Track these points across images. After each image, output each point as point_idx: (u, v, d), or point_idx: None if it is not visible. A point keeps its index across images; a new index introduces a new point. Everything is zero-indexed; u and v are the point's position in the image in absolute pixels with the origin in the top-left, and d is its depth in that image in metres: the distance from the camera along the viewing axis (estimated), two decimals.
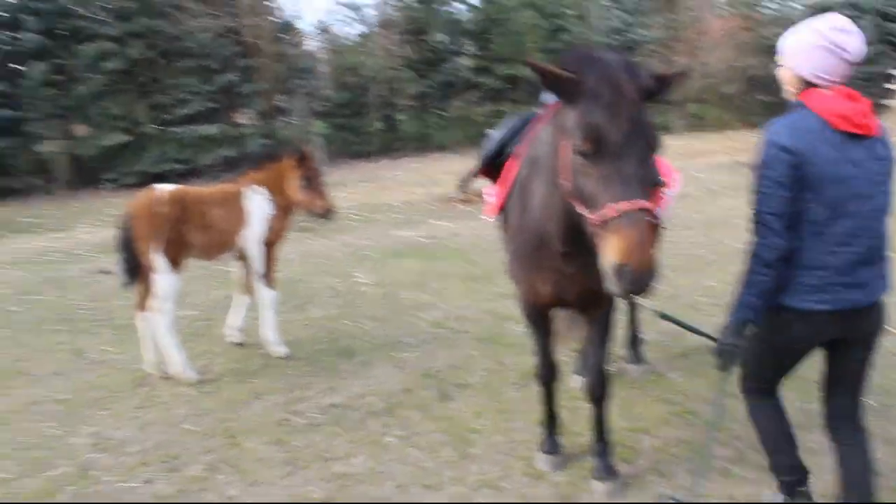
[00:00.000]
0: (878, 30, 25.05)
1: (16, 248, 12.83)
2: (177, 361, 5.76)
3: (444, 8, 24.62)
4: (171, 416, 5.21)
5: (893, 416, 4.73)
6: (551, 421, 4.32)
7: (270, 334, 6.25)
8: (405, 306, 7.38)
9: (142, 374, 5.99)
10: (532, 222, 3.53)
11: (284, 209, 6.17)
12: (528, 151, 3.72)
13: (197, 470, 4.48)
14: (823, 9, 26.00)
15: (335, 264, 9.17)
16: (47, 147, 22.36)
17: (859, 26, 3.04)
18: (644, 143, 2.76)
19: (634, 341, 5.55)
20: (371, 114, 23.79)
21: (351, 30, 26.21)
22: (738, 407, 3.71)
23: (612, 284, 2.71)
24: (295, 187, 6.09)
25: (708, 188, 14.32)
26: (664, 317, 3.47)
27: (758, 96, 28.05)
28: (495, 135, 4.30)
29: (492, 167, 4.24)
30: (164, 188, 5.84)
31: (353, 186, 14.59)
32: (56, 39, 21.72)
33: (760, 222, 2.99)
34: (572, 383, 5.22)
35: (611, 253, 2.67)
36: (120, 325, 7.56)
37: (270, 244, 6.16)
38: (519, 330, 6.36)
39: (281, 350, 6.22)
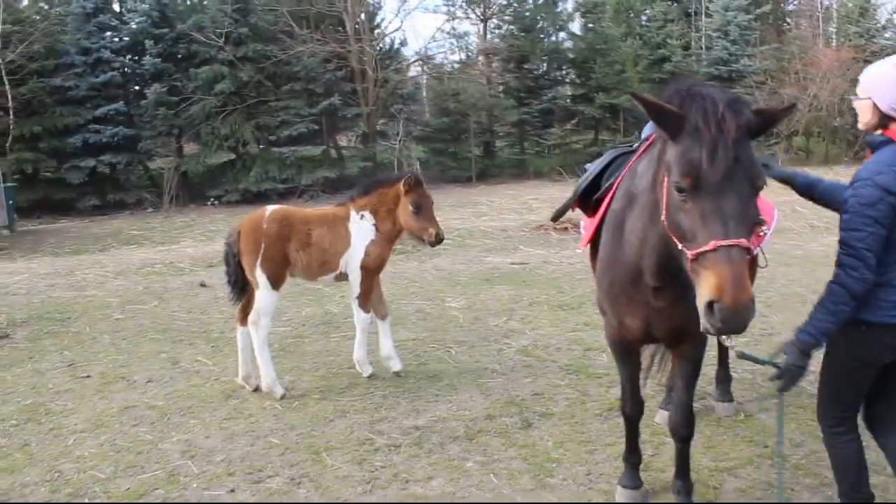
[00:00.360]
0: None
1: (123, 259, 13.50)
2: (268, 375, 5.90)
3: (547, 37, 24.64)
4: (257, 428, 5.33)
5: None
6: (633, 455, 4.19)
7: (361, 353, 6.25)
8: (493, 332, 7.35)
9: (232, 386, 6.16)
10: (626, 255, 3.48)
11: (390, 235, 6.12)
12: (624, 184, 3.68)
13: (279, 483, 4.56)
14: None
15: (426, 287, 9.24)
16: (159, 164, 23.54)
17: None
18: (745, 181, 2.69)
19: (723, 378, 5.33)
20: (470, 140, 23.94)
21: (454, 56, 26.51)
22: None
23: (704, 321, 2.64)
24: (406, 213, 5.97)
25: (810, 223, 13.73)
26: (743, 356, 3.36)
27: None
28: (592, 167, 4.30)
29: (587, 199, 4.21)
30: (272, 208, 6.04)
31: (449, 211, 14.69)
32: (173, 62, 22.95)
33: (854, 256, 3.03)
34: (658, 419, 5.07)
35: (705, 289, 2.63)
36: (215, 337, 7.83)
37: (371, 270, 6.11)
38: (605, 361, 6.25)
39: (367, 370, 6.25)
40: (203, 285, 10.72)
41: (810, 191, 3.55)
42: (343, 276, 6.15)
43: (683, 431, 3.84)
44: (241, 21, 21.89)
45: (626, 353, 3.89)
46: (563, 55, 25.38)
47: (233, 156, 22.07)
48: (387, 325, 6.29)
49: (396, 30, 23.11)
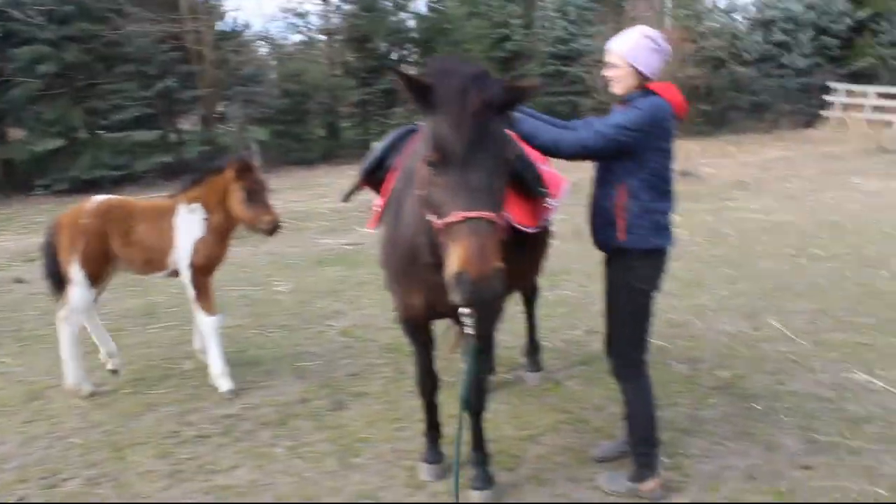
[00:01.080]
0: (814, 43, 25.69)
1: None
2: (71, 375, 5.61)
3: (390, 17, 24.49)
4: (59, 429, 5.09)
5: (778, 420, 4.82)
6: (433, 431, 4.32)
7: (216, 366, 5.59)
8: (317, 315, 7.31)
9: (38, 387, 5.85)
10: (404, 234, 3.54)
11: (222, 228, 5.51)
12: (404, 163, 3.73)
13: (76, 485, 4.39)
14: (765, 23, 26.75)
15: (255, 272, 9.06)
16: None
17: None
18: (491, 154, 2.79)
19: (533, 349, 5.56)
20: (313, 121, 23.54)
21: (295, 37, 25.92)
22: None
23: (452, 292, 2.72)
24: (237, 201, 5.35)
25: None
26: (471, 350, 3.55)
27: (700, 106, 28.57)
28: (378, 146, 4.30)
29: (374, 179, 4.22)
30: (97, 199, 5.66)
31: (288, 193, 14.45)
32: None
33: (604, 138, 3.55)
34: None
35: (452, 261, 2.70)
36: (24, 336, 7.37)
37: (203, 268, 5.54)
38: None
39: (226, 385, 5.57)
40: (19, 281, 10.04)
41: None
42: (177, 274, 5.64)
43: (476, 406, 3.96)
44: None
45: (415, 332, 3.97)
46: (405, 35, 25.36)
47: (62, 142, 20.63)
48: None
49: (236, 10, 22.35)
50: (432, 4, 25.98)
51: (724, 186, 14.90)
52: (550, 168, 4.32)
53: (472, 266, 2.65)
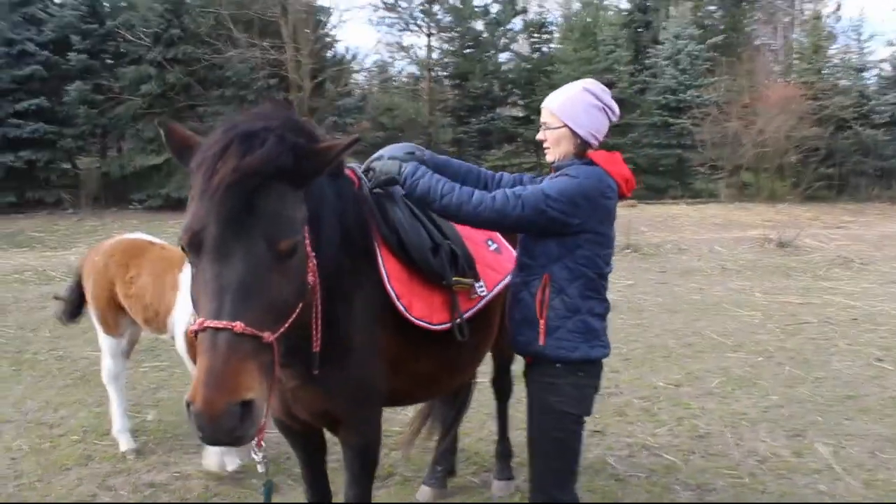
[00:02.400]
0: None
1: None
2: (114, 423, 5.06)
3: (491, 57, 24.12)
4: None
5: None
6: None
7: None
8: None
9: None
10: None
11: None
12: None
13: None
14: None
15: None
16: (81, 164, 22.66)
17: None
18: (255, 240, 2.08)
19: (502, 452, 4.61)
20: None
21: (394, 71, 25.94)
22: None
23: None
24: None
25: (722, 265, 13.24)
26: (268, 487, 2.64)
27: (819, 169, 26.63)
28: None
29: None
30: (122, 237, 5.11)
31: None
32: (100, 60, 22.15)
33: (522, 206, 2.72)
34: (418, 495, 4.41)
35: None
36: (26, 359, 7.25)
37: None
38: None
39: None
40: (57, 298, 9.94)
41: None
42: None
43: None
44: (174, 21, 21.20)
45: (289, 435, 3.21)
46: (505, 75, 24.90)
47: (158, 160, 21.24)
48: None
49: (336, 40, 22.40)
50: (535, 45, 25.42)
51: (823, 263, 13.42)
52: (501, 244, 3.52)
53: (199, 396, 1.93)
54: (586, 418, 2.89)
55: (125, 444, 5.02)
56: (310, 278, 2.31)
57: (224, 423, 1.93)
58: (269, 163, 2.11)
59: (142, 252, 4.82)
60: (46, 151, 21.51)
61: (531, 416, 2.93)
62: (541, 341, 2.79)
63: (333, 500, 3.35)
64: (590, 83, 2.93)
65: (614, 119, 2.93)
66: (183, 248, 2.13)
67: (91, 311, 4.89)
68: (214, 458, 4.66)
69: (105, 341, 4.92)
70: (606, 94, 2.91)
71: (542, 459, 2.90)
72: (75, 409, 5.87)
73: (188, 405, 1.96)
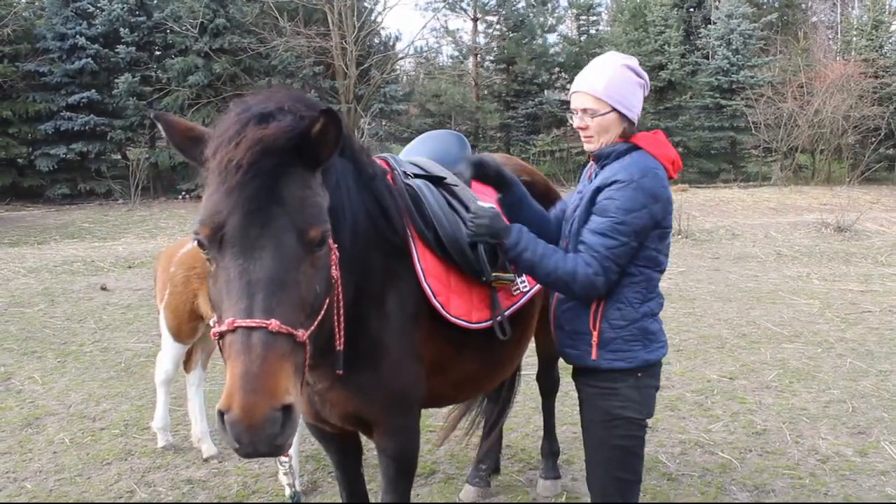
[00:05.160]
0: None
1: (47, 255, 12.88)
2: (156, 419, 5.01)
3: (537, 39, 23.69)
4: (23, 469, 4.78)
5: None
6: None
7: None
8: None
9: (40, 413, 5.63)
10: None
11: None
12: None
13: None
14: None
15: None
16: (131, 155, 23.02)
17: None
18: (283, 229, 1.93)
19: (548, 450, 4.43)
20: None
21: (441, 56, 25.73)
22: None
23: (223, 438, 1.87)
24: None
25: (778, 251, 12.76)
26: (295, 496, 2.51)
27: (879, 150, 25.63)
28: None
29: None
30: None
31: None
32: (148, 52, 22.44)
33: (602, 264, 2.52)
34: (462, 495, 4.27)
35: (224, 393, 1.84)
36: (72, 350, 7.26)
37: None
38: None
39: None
40: (104, 289, 10.08)
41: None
42: None
43: None
44: (219, 12, 21.31)
45: (321, 438, 3.07)
46: (553, 59, 24.43)
47: None
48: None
49: (380, 26, 22.16)
50: (582, 27, 24.90)
51: (885, 248, 12.86)
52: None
53: (237, 402, 1.77)
54: (649, 421, 2.69)
55: (163, 440, 4.99)
56: (333, 272, 2.15)
57: (265, 430, 1.77)
58: (286, 137, 1.97)
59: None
60: (97, 143, 21.90)
61: (587, 423, 2.72)
62: (593, 355, 2.58)
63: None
64: (624, 58, 2.69)
65: (646, 93, 2.71)
66: (200, 245, 1.98)
67: (163, 317, 4.74)
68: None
69: (173, 348, 4.78)
70: (641, 70, 2.69)
71: (603, 468, 2.69)
72: (118, 402, 5.85)
73: (221, 415, 1.80)
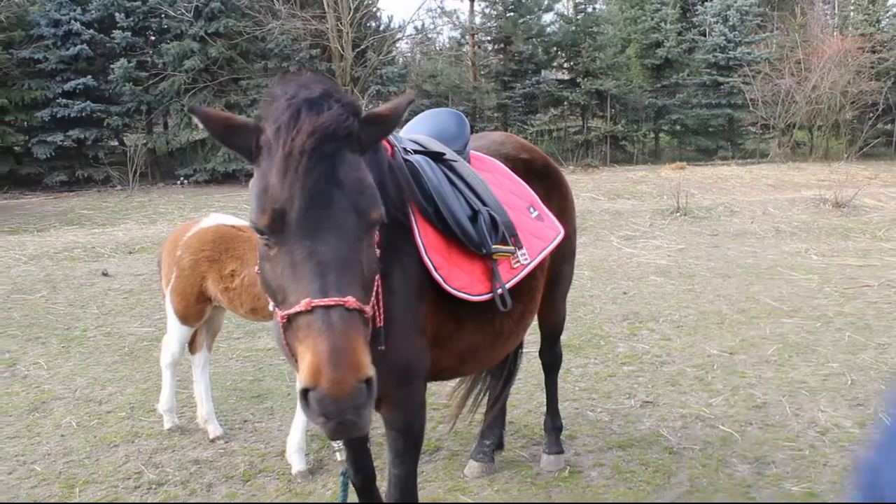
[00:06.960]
0: None
1: (47, 242, 12.88)
2: (161, 402, 5.07)
3: (533, 18, 23.53)
4: (31, 452, 4.83)
5: None
6: None
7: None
8: None
9: (47, 397, 5.66)
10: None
11: None
12: None
13: None
14: None
15: None
16: (129, 141, 22.94)
17: None
18: (345, 211, 2.00)
19: (551, 426, 4.47)
20: None
21: (437, 37, 25.58)
22: None
23: (307, 416, 1.93)
24: None
25: (776, 228, 12.78)
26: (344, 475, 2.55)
27: (877, 125, 25.58)
28: None
29: None
30: (203, 226, 4.81)
31: None
32: (144, 37, 22.30)
33: None
34: (466, 470, 4.33)
35: (300, 372, 1.89)
36: (74, 336, 7.29)
37: None
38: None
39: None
40: (105, 274, 10.11)
41: None
42: None
43: None
44: None
45: None
46: (548, 38, 24.31)
47: (203, 135, 21.36)
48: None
49: (377, 8, 22.03)
50: (579, 6, 24.71)
51: (883, 223, 12.87)
52: (542, 211, 3.34)
53: (326, 377, 1.82)
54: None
55: (169, 422, 5.04)
56: (377, 250, 2.25)
57: (354, 401, 1.83)
58: (341, 125, 2.03)
59: (232, 242, 4.63)
60: (94, 130, 21.78)
61: None
62: None
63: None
64: None
65: None
66: (259, 231, 2.03)
67: (169, 301, 4.76)
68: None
69: (180, 330, 4.79)
70: None
71: None
72: (123, 385, 5.91)
73: (305, 392, 1.86)
